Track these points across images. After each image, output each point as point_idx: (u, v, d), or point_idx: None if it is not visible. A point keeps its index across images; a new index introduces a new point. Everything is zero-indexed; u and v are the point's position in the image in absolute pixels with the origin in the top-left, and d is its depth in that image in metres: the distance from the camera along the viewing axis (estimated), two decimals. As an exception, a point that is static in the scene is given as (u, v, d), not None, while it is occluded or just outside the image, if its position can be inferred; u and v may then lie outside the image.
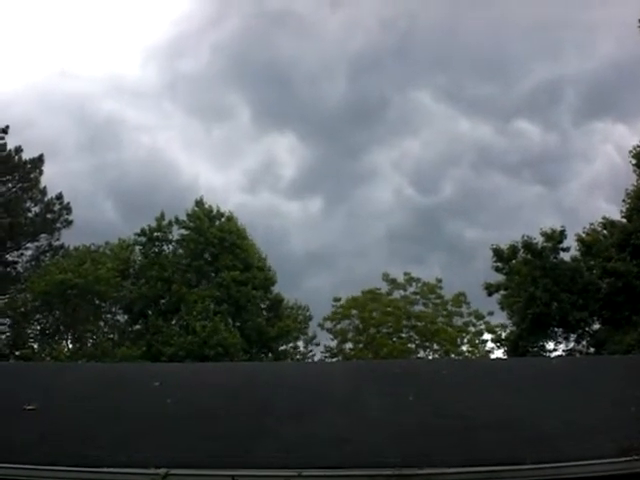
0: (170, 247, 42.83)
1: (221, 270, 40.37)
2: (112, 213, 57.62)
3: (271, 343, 41.45)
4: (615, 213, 35.42)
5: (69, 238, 42.73)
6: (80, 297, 37.59)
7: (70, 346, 39.49)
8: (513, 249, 35.49)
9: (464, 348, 43.88)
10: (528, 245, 34.55)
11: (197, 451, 9.85)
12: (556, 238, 34.30)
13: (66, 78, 67.28)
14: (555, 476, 8.77)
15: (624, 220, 34.31)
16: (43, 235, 42.38)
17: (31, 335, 39.53)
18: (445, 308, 44.50)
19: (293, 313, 44.65)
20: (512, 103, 65.95)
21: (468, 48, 63.44)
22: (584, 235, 35.28)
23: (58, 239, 42.83)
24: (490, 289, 36.37)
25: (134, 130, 66.14)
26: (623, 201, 34.73)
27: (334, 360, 42.75)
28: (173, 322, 39.24)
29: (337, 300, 45.32)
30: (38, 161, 42.28)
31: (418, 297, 44.77)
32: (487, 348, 42.58)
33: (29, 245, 42.31)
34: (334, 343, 44.84)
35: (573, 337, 35.56)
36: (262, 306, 42.50)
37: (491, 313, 41.85)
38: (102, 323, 41.45)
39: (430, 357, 42.63)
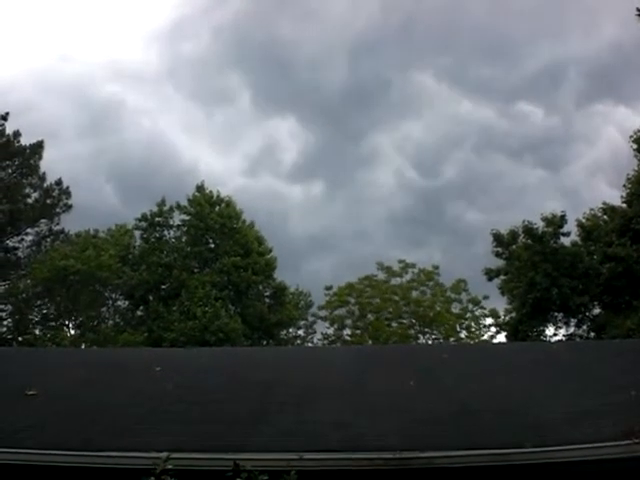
0: (171, 232, 42.87)
1: (222, 256, 40.42)
2: (112, 197, 57.83)
3: (272, 329, 41.55)
4: (616, 196, 35.44)
5: (69, 222, 42.84)
6: (82, 283, 37.62)
7: (72, 332, 39.57)
8: (513, 234, 35.53)
9: (463, 335, 43.97)
10: (528, 230, 34.60)
11: (198, 435, 9.87)
12: (556, 223, 34.34)
13: (66, 62, 67.24)
14: (556, 459, 8.77)
15: (624, 205, 34.32)
16: (43, 220, 42.33)
17: (33, 321, 39.56)
18: (443, 294, 44.54)
19: (294, 299, 44.72)
20: (515, 85, 65.86)
21: (471, 29, 63.30)
22: (584, 220, 35.32)
23: (58, 224, 42.83)
24: (490, 274, 36.44)
25: (135, 114, 66.28)
26: (624, 186, 34.78)
27: (334, 346, 42.86)
28: (174, 308, 39.34)
29: (329, 289, 45.34)
30: (37, 147, 42.19)
31: (415, 284, 44.80)
32: (487, 334, 42.68)
33: (29, 230, 42.29)
34: (331, 330, 44.94)
35: (573, 322, 35.68)
36: (265, 293, 42.57)
37: (487, 297, 41.97)
38: (104, 309, 41.49)
39: (430, 342, 42.73)
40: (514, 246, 35.67)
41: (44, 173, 42.48)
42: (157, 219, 42.28)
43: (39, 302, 39.80)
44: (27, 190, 42.35)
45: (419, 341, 42.97)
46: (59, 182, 42.45)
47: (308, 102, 67.57)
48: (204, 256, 41.27)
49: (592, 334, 34.26)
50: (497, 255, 36.25)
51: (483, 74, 65.65)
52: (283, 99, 67.48)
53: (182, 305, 38.85)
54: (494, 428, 10.02)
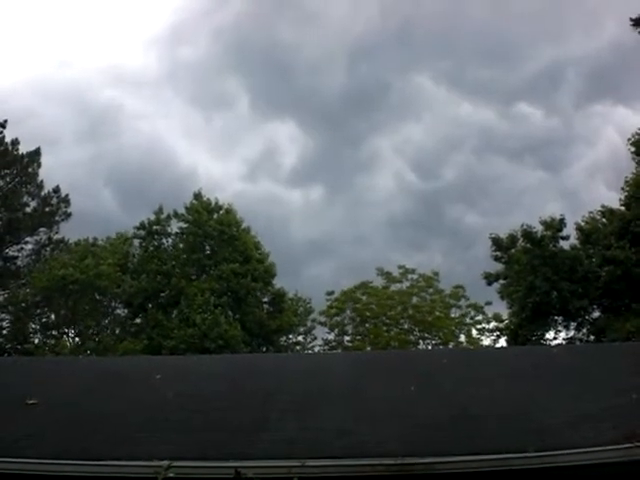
0: (169, 240, 42.89)
1: (220, 263, 40.41)
2: (111, 202, 57.92)
3: (272, 336, 41.52)
4: (615, 198, 35.48)
5: (68, 228, 42.83)
6: (81, 292, 37.62)
7: (71, 341, 39.54)
8: (512, 238, 35.56)
9: (462, 339, 43.89)
10: (527, 234, 34.62)
11: (200, 443, 9.86)
12: (555, 226, 34.37)
13: (65, 68, 67.31)
14: (557, 463, 8.77)
15: (623, 208, 34.35)
16: (42, 229, 42.38)
17: (32, 330, 39.55)
18: (442, 300, 44.44)
19: (293, 305, 44.68)
20: (514, 86, 65.83)
21: (470, 32, 63.18)
22: (583, 223, 35.34)
23: (57, 232, 42.87)
24: (489, 278, 36.43)
25: (133, 118, 66.32)
26: (622, 189, 34.81)
27: (334, 352, 42.77)
28: (173, 315, 39.31)
29: (330, 294, 45.19)
30: (35, 154, 42.24)
31: (415, 290, 44.70)
32: (486, 339, 42.57)
33: (28, 239, 42.36)
34: (332, 336, 44.84)
35: (573, 325, 35.67)
36: (263, 300, 42.54)
37: (489, 303, 41.82)
38: (103, 317, 41.47)
39: (429, 348, 42.69)
40: (513, 250, 35.69)
41: (42, 181, 42.57)
42: (155, 227, 42.29)
43: (38, 311, 39.80)
44: (25, 199, 42.40)
45: (419, 346, 42.90)
46: (57, 189, 42.51)
47: (307, 106, 67.71)
48: (202, 263, 41.27)
49: (592, 337, 34.26)
50: (496, 259, 36.26)
51: (482, 76, 65.73)
52: (282, 103, 67.66)
53: (181, 312, 38.83)
54: (495, 433, 10.01)
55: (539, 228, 34.68)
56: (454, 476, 8.80)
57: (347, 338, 44.56)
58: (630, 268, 31.88)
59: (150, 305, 40.59)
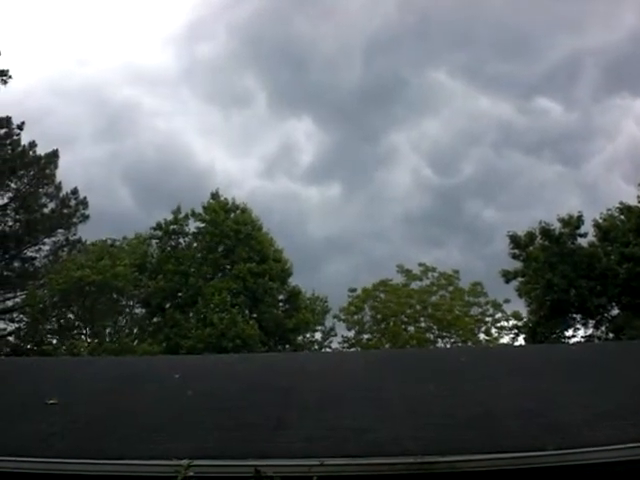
0: (186, 240, 42.98)
1: (237, 262, 40.46)
2: (128, 200, 58.00)
3: (289, 335, 41.52)
4: (633, 192, 35.23)
5: (86, 228, 42.95)
6: (98, 293, 37.73)
7: (89, 341, 39.67)
8: (530, 235, 35.40)
9: (481, 337, 43.73)
10: (545, 231, 34.48)
11: (219, 442, 9.89)
12: (573, 224, 34.21)
13: (83, 66, 67.40)
14: (577, 461, 8.75)
15: (640, 204, 34.17)
16: (60, 230, 42.53)
17: (50, 331, 39.70)
18: (462, 298, 44.28)
19: (310, 304, 44.65)
20: (533, 80, 65.17)
21: (487, 25, 62.68)
22: (601, 220, 35.15)
23: (75, 234, 42.98)
24: (507, 276, 36.28)
25: (151, 116, 66.33)
26: (639, 185, 34.59)
27: (352, 350, 42.72)
28: (191, 315, 39.36)
29: (353, 290, 45.12)
30: (53, 156, 42.38)
31: (435, 288, 44.57)
32: (507, 336, 42.35)
33: (46, 240, 42.48)
34: (351, 333, 44.78)
35: (592, 323, 35.45)
36: (279, 298, 42.56)
37: (507, 301, 41.61)
38: (121, 318, 41.58)
39: (448, 346, 42.53)
40: (531, 247, 35.54)
41: (60, 182, 42.65)
42: (172, 227, 42.42)
43: (56, 312, 39.93)
44: (43, 200, 42.55)
45: (437, 345, 42.76)
46: (75, 191, 42.60)
47: (324, 102, 67.35)
48: (219, 263, 41.34)
49: (611, 335, 34.07)
50: (514, 257, 36.10)
51: (500, 70, 65.05)
52: (299, 99, 67.40)
53: (199, 312, 38.89)
54: (514, 431, 9.99)
55: (557, 225, 34.55)
56: (475, 474, 8.79)
57: (366, 336, 44.48)
58: (649, 265, 31.72)
59: (168, 305, 40.71)
